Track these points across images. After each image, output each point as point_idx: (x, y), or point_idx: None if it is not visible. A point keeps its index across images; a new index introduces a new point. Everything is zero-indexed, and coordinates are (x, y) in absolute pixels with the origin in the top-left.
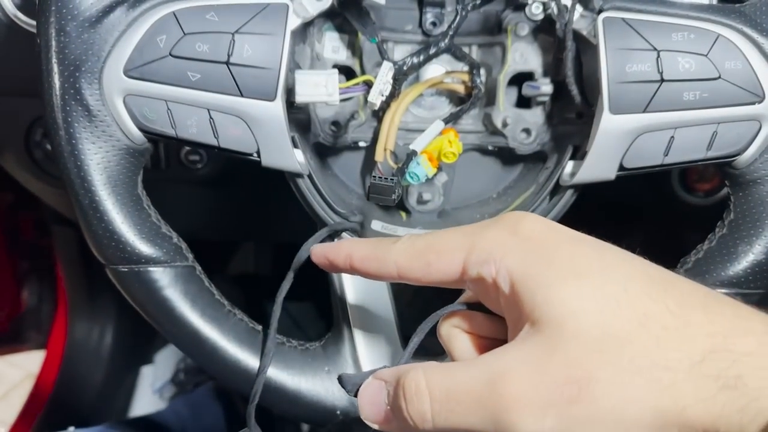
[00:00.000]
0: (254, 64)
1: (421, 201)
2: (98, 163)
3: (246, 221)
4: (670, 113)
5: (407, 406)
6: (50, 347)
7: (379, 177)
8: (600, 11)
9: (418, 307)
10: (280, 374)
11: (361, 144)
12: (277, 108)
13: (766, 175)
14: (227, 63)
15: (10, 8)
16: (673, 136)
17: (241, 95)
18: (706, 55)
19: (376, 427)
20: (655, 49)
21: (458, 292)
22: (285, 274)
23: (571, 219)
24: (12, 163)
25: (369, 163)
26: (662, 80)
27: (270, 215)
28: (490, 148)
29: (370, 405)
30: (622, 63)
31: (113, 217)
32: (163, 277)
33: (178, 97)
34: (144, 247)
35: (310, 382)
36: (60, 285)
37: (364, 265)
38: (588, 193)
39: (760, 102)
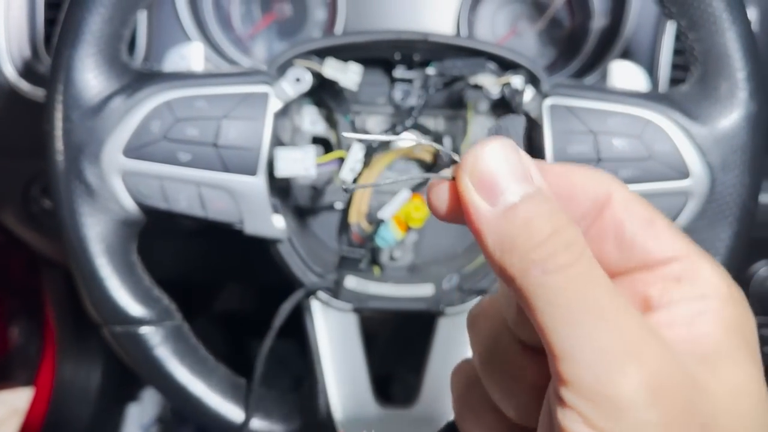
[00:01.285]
0: (238, 145)
1: (392, 258)
2: (97, 234)
3: (230, 265)
4: None
5: None
6: (39, 385)
7: (348, 250)
8: (546, 96)
9: (391, 355)
10: (260, 423)
11: (338, 206)
12: (259, 182)
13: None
14: (215, 144)
15: (13, 75)
16: None
17: (227, 172)
18: (638, 138)
19: None
20: (593, 132)
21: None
22: (271, 312)
23: None
24: (9, 217)
25: (345, 223)
26: (599, 159)
27: (253, 258)
28: None
29: None
30: (564, 144)
31: (110, 283)
32: (154, 336)
33: (170, 175)
34: (137, 309)
35: (288, 428)
36: (48, 324)
37: None
38: None
39: (686, 179)
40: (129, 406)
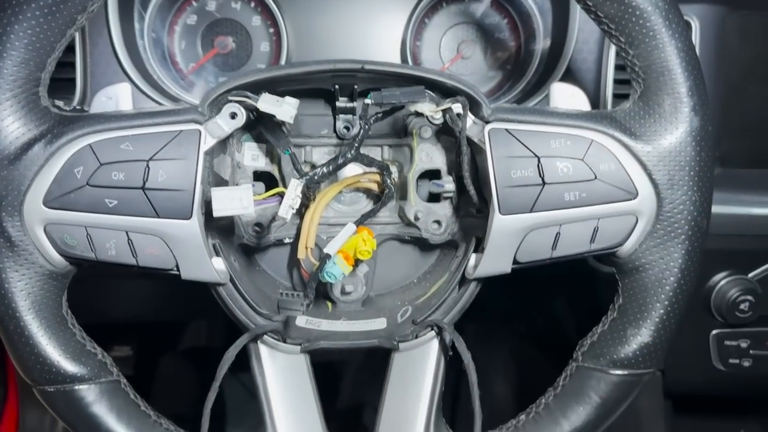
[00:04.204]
0: (169, 188)
1: (344, 292)
2: (22, 289)
3: (192, 302)
4: (554, 212)
5: None
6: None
7: (285, 294)
8: (487, 122)
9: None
10: None
11: (286, 240)
12: (193, 225)
13: (646, 263)
14: (143, 188)
15: None
16: (559, 232)
17: (158, 216)
18: (582, 159)
19: None
20: (536, 155)
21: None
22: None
23: (503, 289)
24: None
25: (294, 257)
26: (544, 183)
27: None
28: (407, 237)
29: None
30: (507, 169)
31: (38, 340)
32: (88, 394)
33: (96, 222)
34: (69, 366)
35: None
36: (10, 372)
37: None
38: None
39: (634, 199)
40: None
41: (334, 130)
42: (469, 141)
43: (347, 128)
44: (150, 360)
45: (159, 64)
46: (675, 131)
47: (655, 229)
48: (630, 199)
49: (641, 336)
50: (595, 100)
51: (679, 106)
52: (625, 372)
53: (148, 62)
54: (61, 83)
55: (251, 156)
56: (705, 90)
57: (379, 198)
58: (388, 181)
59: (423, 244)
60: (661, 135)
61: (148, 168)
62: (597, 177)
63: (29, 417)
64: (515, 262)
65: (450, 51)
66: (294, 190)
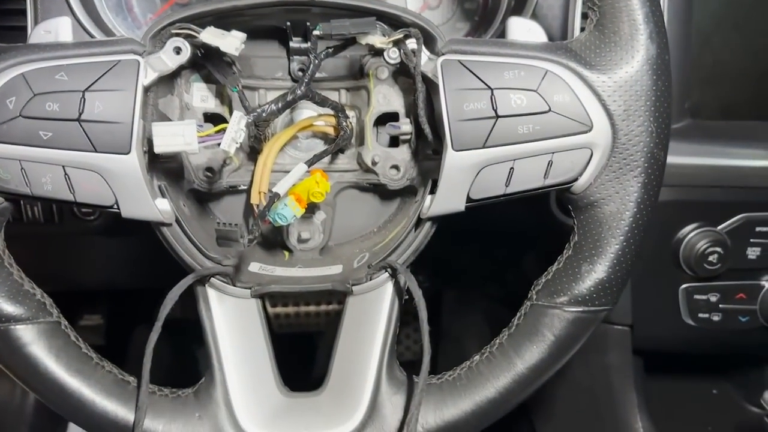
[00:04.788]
0: (106, 119)
1: (301, 240)
2: None
3: (159, 267)
4: (508, 147)
5: None
6: None
7: (222, 224)
8: (441, 54)
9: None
10: (150, 423)
11: (241, 187)
12: (132, 160)
13: (601, 198)
14: (78, 120)
15: None
16: (512, 167)
17: (95, 150)
18: (536, 91)
19: None
20: (489, 87)
21: None
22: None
23: (472, 248)
24: None
25: (249, 204)
26: (497, 116)
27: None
28: (365, 184)
29: None
30: (460, 102)
31: None
32: (25, 334)
33: (31, 156)
34: (6, 306)
35: (181, 429)
36: None
37: None
38: (484, 224)
39: (589, 131)
40: (68, 427)
41: (289, 73)
42: (425, 78)
43: (302, 70)
44: (122, 329)
45: (114, 12)
46: (631, 60)
47: (611, 162)
48: (585, 132)
49: (596, 272)
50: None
51: (634, 34)
52: (580, 309)
53: (103, 10)
54: (10, 31)
55: (200, 97)
56: (662, 17)
57: (333, 141)
58: (344, 123)
59: (383, 192)
60: (617, 64)
61: (84, 99)
62: (551, 109)
63: (0, 390)
64: (469, 200)
65: (416, 1)
66: (237, 123)
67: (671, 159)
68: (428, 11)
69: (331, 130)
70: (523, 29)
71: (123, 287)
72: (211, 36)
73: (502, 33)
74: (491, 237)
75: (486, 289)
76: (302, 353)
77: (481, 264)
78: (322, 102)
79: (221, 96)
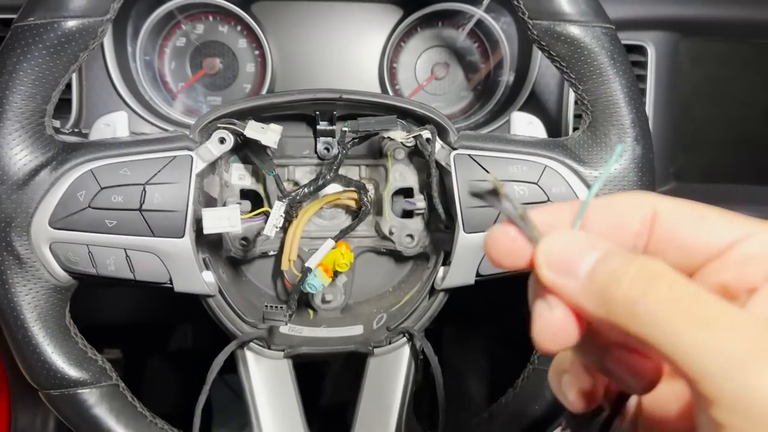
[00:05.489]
0: (163, 209)
1: (324, 301)
2: (29, 302)
3: (179, 306)
4: None
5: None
6: None
7: (270, 306)
8: (453, 148)
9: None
10: None
11: (271, 253)
12: (185, 243)
13: None
14: (140, 210)
15: None
16: None
17: (154, 235)
18: (536, 183)
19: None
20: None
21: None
22: (222, 348)
23: (477, 295)
24: None
25: (278, 269)
26: None
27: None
28: (382, 249)
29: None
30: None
31: (44, 348)
32: (90, 397)
33: (97, 241)
34: (72, 372)
35: None
36: (2, 374)
37: None
38: None
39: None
40: None
41: (315, 151)
42: (438, 164)
43: (327, 149)
44: (139, 362)
45: (150, 85)
46: (620, 159)
47: None
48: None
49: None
50: (557, 127)
51: (623, 136)
52: None
53: (140, 83)
54: (59, 103)
55: (238, 176)
56: (647, 122)
57: (356, 213)
58: (365, 199)
59: (397, 256)
60: (607, 162)
61: (145, 191)
62: (549, 199)
63: (21, 419)
64: (478, 274)
65: (425, 72)
66: (278, 210)
67: None
68: (435, 81)
69: (352, 203)
70: (524, 123)
71: (137, 323)
72: (253, 131)
73: (504, 104)
74: (491, 282)
75: (483, 328)
76: (308, 383)
77: (478, 305)
78: (348, 183)
79: (257, 174)
